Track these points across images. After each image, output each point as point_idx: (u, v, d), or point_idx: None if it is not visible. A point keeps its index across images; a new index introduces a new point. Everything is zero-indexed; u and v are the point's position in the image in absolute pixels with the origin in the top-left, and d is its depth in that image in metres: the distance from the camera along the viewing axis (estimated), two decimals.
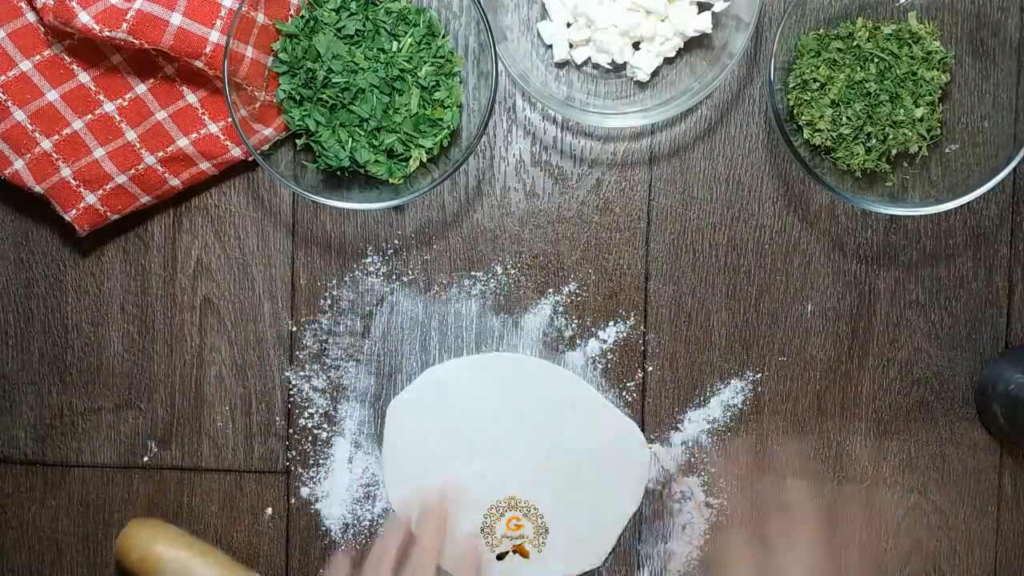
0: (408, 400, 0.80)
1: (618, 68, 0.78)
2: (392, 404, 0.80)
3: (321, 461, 0.81)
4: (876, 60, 0.74)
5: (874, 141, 0.75)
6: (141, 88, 0.75)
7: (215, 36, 0.71)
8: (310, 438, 0.81)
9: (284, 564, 0.82)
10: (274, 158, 0.77)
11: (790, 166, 0.80)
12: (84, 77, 0.75)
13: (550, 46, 0.78)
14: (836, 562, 0.75)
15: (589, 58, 0.78)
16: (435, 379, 0.80)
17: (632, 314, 0.80)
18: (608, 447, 0.79)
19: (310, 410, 0.81)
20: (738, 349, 0.81)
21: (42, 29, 0.74)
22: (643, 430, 0.80)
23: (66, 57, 0.74)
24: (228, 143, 0.77)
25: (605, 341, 0.80)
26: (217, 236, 0.80)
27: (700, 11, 0.76)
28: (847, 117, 0.74)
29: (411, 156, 0.75)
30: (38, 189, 0.76)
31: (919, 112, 0.75)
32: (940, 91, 0.76)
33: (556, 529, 0.80)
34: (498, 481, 0.80)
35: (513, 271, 0.80)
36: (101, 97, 0.75)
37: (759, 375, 0.81)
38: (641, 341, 0.80)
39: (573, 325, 0.80)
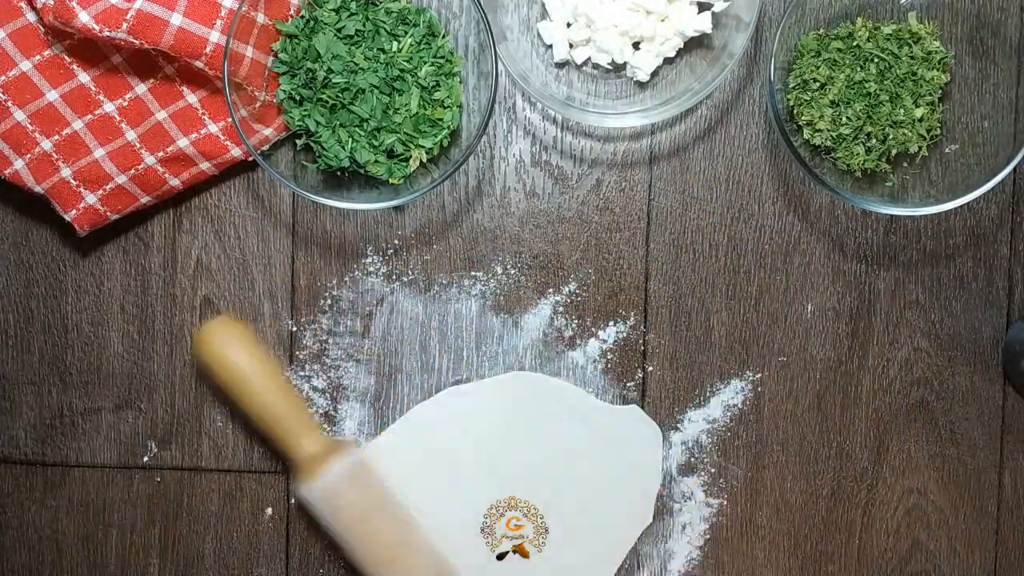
0: (390, 444, 0.79)
1: (618, 68, 0.78)
2: (372, 445, 0.79)
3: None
4: (876, 60, 0.74)
5: (874, 141, 0.75)
6: (141, 88, 0.76)
7: (215, 36, 0.71)
8: None
9: (284, 564, 0.82)
10: (274, 158, 0.77)
11: (790, 166, 0.80)
12: (84, 77, 0.75)
13: (550, 46, 0.78)
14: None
15: (589, 58, 0.78)
16: (417, 420, 0.80)
17: (632, 314, 0.80)
18: (612, 437, 0.79)
19: (310, 410, 0.81)
20: (738, 349, 0.81)
21: (42, 29, 0.74)
22: None
23: (66, 57, 0.74)
24: (228, 143, 0.77)
25: (605, 341, 0.80)
26: (217, 236, 0.80)
27: (700, 11, 0.76)
28: (847, 117, 0.74)
29: (411, 156, 0.75)
30: (38, 189, 0.76)
31: (919, 112, 0.75)
32: (940, 91, 0.76)
33: (556, 529, 0.80)
34: (498, 481, 0.80)
35: (513, 271, 0.80)
36: (101, 97, 0.75)
37: (759, 375, 0.81)
38: (641, 341, 0.80)
39: (573, 325, 0.80)
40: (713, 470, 0.81)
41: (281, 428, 0.75)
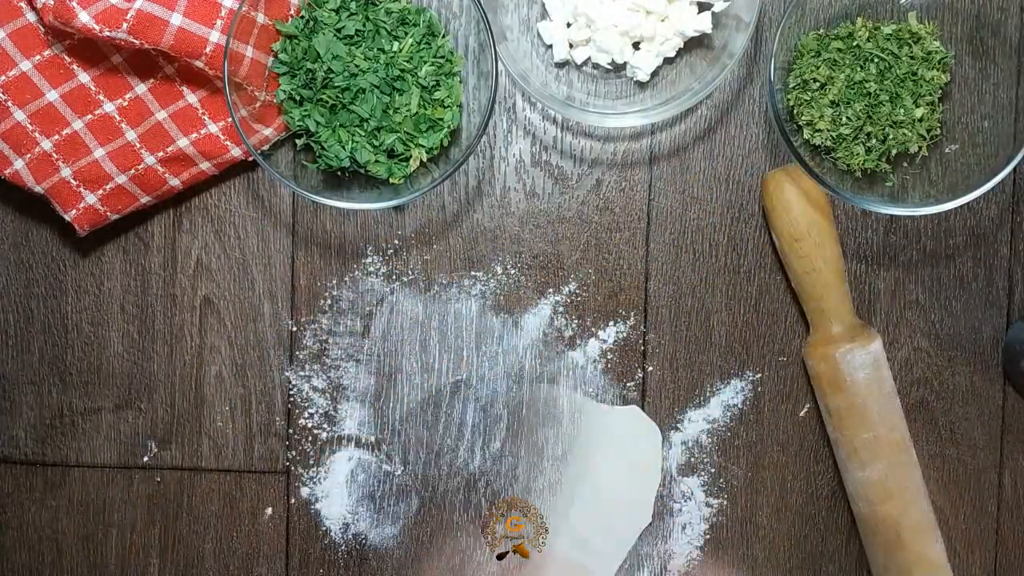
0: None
1: (618, 68, 0.78)
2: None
3: (321, 461, 0.81)
4: (876, 60, 0.74)
5: (874, 141, 0.75)
6: (141, 88, 0.76)
7: (215, 36, 0.71)
8: (310, 438, 0.81)
9: (284, 564, 0.82)
10: (274, 158, 0.77)
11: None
12: (84, 77, 0.75)
13: (550, 46, 0.78)
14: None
15: (589, 58, 0.78)
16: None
17: (632, 314, 0.80)
18: (612, 437, 0.79)
19: (310, 410, 0.81)
20: (738, 349, 0.81)
21: (42, 29, 0.74)
22: None
23: (66, 57, 0.74)
24: (228, 143, 0.77)
25: (605, 341, 0.80)
26: (217, 236, 0.80)
27: (700, 11, 0.76)
28: (847, 117, 0.74)
29: (411, 156, 0.75)
30: (38, 189, 0.76)
31: (919, 112, 0.75)
32: (940, 91, 0.76)
33: (556, 529, 0.80)
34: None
35: (513, 271, 0.80)
36: (101, 97, 0.75)
37: (759, 375, 0.81)
38: (641, 341, 0.80)
39: (573, 325, 0.80)
40: (713, 470, 0.81)
41: (828, 291, 0.76)
